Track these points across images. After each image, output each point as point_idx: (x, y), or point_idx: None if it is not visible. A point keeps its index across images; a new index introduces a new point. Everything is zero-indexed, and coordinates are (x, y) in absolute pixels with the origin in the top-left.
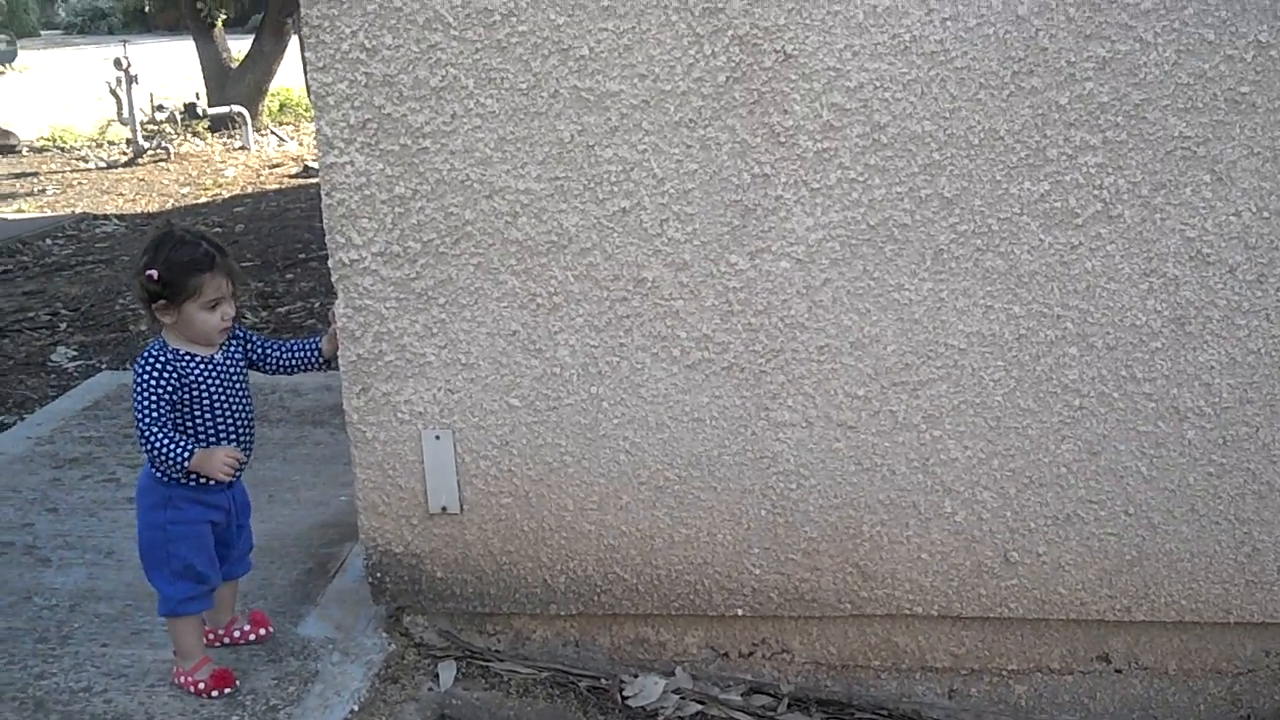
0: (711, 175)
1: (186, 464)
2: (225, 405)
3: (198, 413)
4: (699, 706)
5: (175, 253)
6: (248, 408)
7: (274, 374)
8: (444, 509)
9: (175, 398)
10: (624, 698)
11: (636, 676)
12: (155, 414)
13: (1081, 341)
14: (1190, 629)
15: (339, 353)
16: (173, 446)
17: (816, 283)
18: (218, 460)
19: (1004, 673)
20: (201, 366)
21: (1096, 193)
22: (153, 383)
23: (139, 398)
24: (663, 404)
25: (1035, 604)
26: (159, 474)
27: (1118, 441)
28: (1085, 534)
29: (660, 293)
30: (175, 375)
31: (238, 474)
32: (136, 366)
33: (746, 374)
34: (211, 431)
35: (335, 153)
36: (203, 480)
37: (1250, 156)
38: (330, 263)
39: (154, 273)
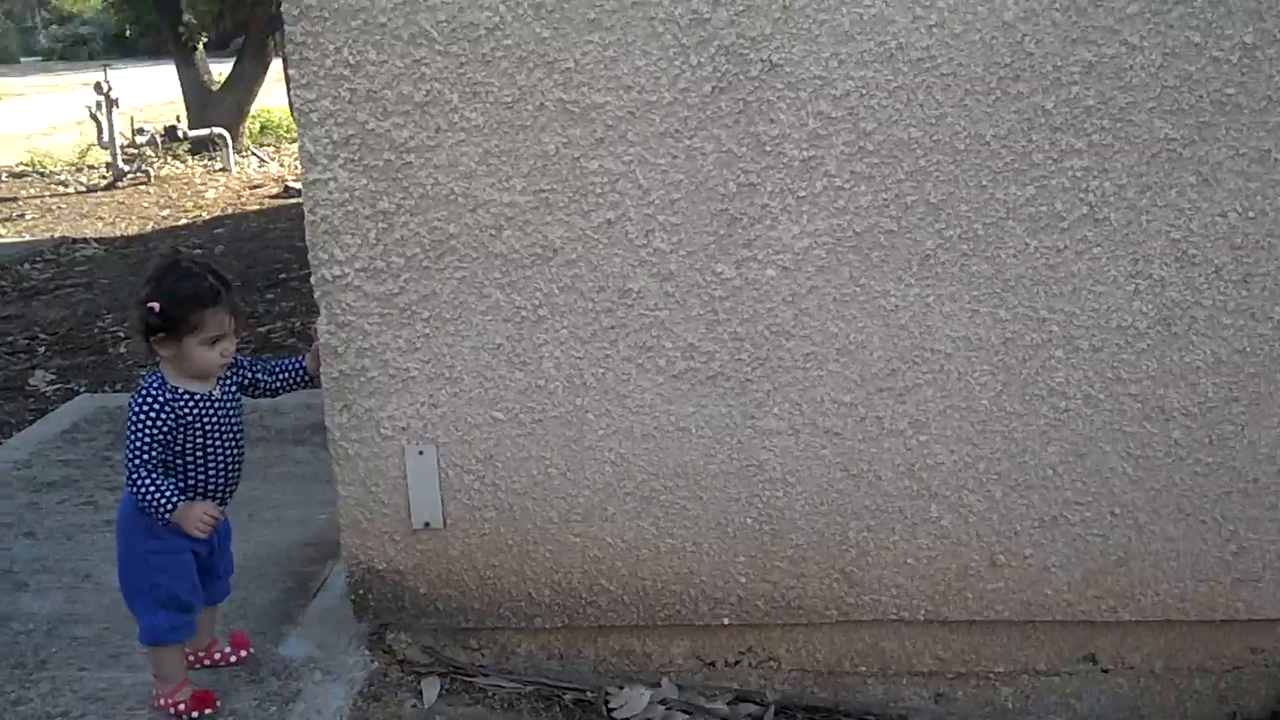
0: (697, 185)
1: (168, 516)
2: (219, 442)
3: (189, 451)
4: (685, 716)
5: (179, 285)
6: (240, 442)
7: (261, 397)
8: (427, 524)
9: (169, 438)
10: (609, 710)
11: (622, 688)
12: (146, 456)
13: (1067, 344)
14: (1177, 628)
15: (321, 369)
16: (158, 496)
17: (803, 290)
18: (195, 516)
19: (990, 675)
20: (200, 405)
21: (1082, 196)
22: (148, 423)
23: (132, 437)
24: (648, 414)
25: (1021, 606)
26: None
27: (1104, 443)
28: (1071, 535)
29: (646, 303)
30: (172, 415)
31: (214, 529)
32: (133, 403)
33: (732, 383)
34: (201, 468)
35: (318, 169)
36: None
37: (1236, 157)
38: (312, 279)
39: (155, 305)
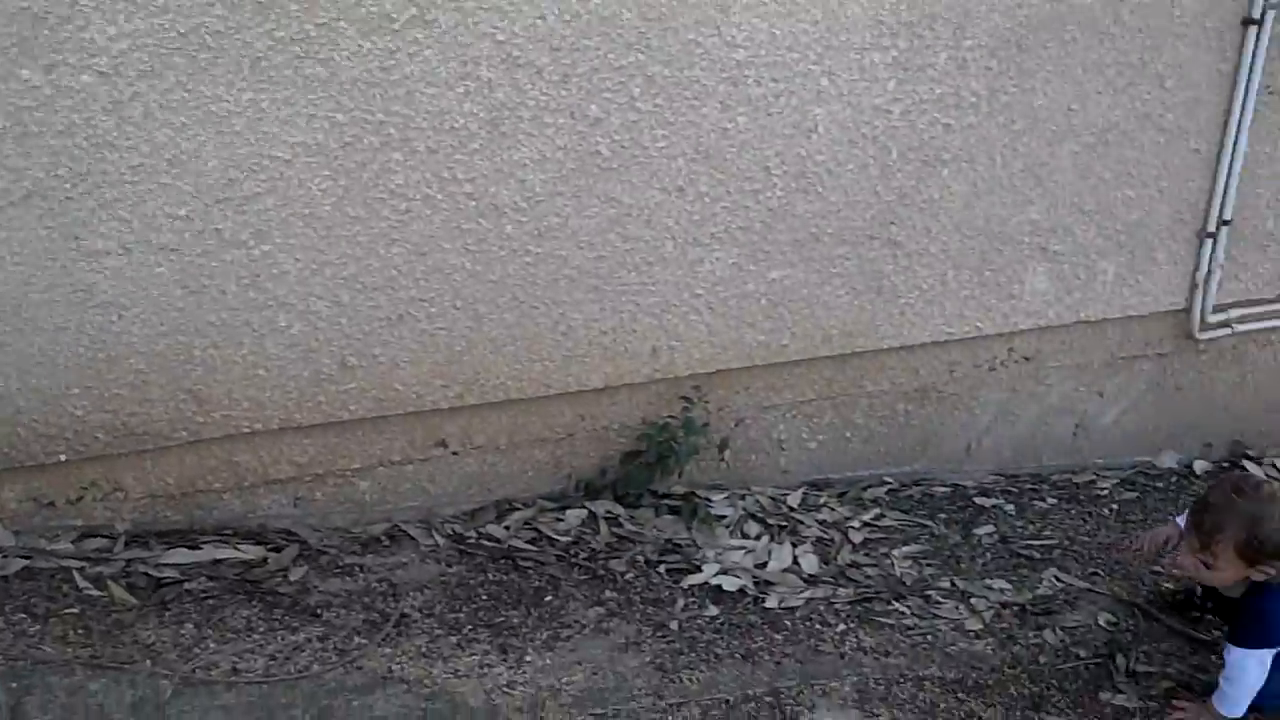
0: None
1: None
2: None
3: None
4: (25, 562)
5: None
6: None
7: None
8: None
9: None
10: None
11: None
12: None
13: (405, 146)
14: (517, 405)
15: None
16: None
17: (124, 97)
18: None
19: (348, 472)
20: None
21: None
22: None
23: None
24: None
25: (374, 403)
26: None
27: (444, 241)
28: (418, 331)
29: None
30: None
31: None
32: None
33: (50, 202)
34: None
35: None
36: None
37: None
38: None
39: None
